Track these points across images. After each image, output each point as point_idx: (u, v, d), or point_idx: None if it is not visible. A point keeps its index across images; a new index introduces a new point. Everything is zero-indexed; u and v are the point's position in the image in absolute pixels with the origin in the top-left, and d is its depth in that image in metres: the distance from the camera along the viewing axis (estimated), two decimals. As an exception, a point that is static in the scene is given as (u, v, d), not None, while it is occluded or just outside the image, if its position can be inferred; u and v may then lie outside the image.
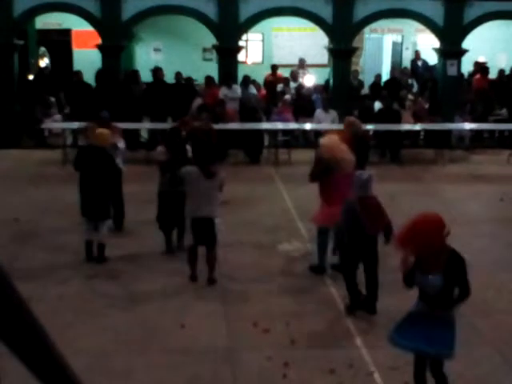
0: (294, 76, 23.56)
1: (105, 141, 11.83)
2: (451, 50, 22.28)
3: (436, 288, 7.06)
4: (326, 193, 11.15)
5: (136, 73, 22.25)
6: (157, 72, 21.52)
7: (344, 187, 10.52)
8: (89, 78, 21.91)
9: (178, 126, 13.32)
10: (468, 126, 21.26)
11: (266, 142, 20.60)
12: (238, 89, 21.16)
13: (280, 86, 22.89)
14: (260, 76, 23.48)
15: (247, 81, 21.71)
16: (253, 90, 21.88)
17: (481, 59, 24.88)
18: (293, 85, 23.18)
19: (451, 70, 22.26)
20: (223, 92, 20.75)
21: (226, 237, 11.58)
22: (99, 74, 21.39)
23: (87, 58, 24.53)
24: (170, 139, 12.37)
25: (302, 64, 24.53)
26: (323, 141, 11.64)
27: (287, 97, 21.47)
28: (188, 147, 12.16)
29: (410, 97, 22.86)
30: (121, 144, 13.24)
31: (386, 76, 25.32)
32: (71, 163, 12.39)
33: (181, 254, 11.65)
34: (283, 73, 23.85)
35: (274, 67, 23.88)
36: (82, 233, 11.89)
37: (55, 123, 20.90)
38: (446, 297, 7.14)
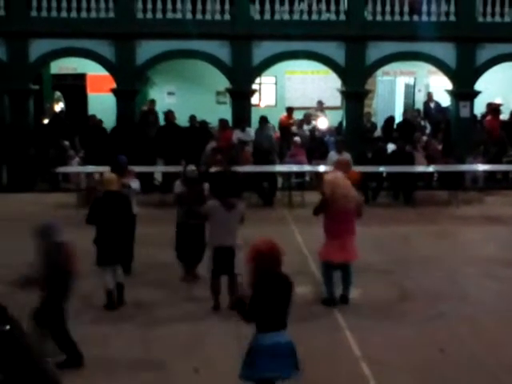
0: (308, 119, 23.64)
1: (109, 185, 11.91)
2: (464, 91, 22.39)
3: None
4: (326, 227, 11.69)
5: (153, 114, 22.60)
6: (168, 115, 21.68)
7: (343, 222, 11.37)
8: (103, 122, 22.12)
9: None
10: (481, 167, 21.23)
11: (280, 185, 20.63)
12: (251, 132, 21.27)
13: (294, 129, 22.98)
14: (273, 119, 23.57)
15: (264, 121, 21.75)
16: (270, 131, 21.93)
17: (497, 101, 24.90)
18: (306, 127, 23.25)
19: (464, 112, 22.33)
20: (237, 135, 20.85)
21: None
22: (119, 119, 21.56)
23: (102, 102, 24.73)
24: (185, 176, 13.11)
25: (320, 106, 24.62)
26: (326, 176, 12.06)
27: (297, 138, 21.49)
28: (205, 185, 12.97)
29: (425, 138, 22.89)
30: (135, 184, 13.29)
31: (398, 118, 25.40)
32: (86, 207, 12.33)
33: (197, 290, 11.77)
34: (296, 115, 23.95)
35: (290, 110, 23.95)
36: (105, 282, 11.72)
37: (70, 167, 20.98)
38: None
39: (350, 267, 11.91)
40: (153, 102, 24.25)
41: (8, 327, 3.95)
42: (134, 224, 13.31)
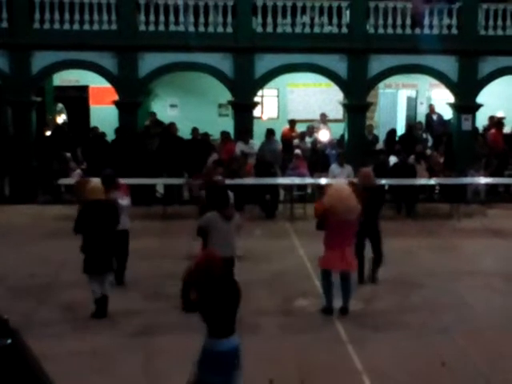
0: (310, 131, 23.62)
1: (93, 194, 11.86)
2: (465, 104, 22.39)
3: None
4: (326, 237, 11.82)
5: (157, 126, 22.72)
6: (170, 127, 21.72)
7: (343, 233, 11.53)
8: (106, 134, 22.18)
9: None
10: (483, 180, 21.23)
11: (282, 197, 20.62)
12: (254, 144, 21.30)
13: (295, 141, 22.97)
14: (275, 131, 23.52)
15: (270, 134, 21.80)
16: (275, 143, 21.96)
17: (499, 114, 24.92)
18: (308, 140, 23.25)
19: (466, 125, 22.34)
20: (240, 147, 20.87)
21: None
22: (118, 131, 21.60)
23: (104, 114, 24.76)
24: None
25: (324, 119, 24.57)
26: (329, 188, 12.26)
27: (297, 151, 21.48)
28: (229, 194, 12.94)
29: (429, 151, 22.90)
30: (125, 201, 13.18)
31: (400, 131, 25.41)
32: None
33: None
34: (298, 128, 23.94)
35: (292, 122, 23.93)
36: (93, 290, 11.76)
37: (72, 179, 20.93)
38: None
39: (350, 278, 11.96)
40: (154, 114, 24.27)
41: (10, 341, 3.94)
42: (127, 237, 13.29)
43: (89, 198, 11.86)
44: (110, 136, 22.14)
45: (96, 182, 12.58)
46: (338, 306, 11.98)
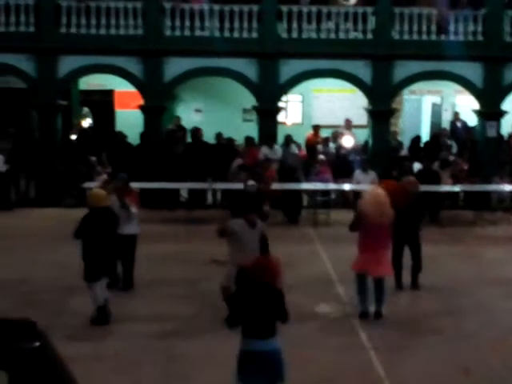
0: (335, 137, 23.59)
1: (98, 201, 11.87)
2: (490, 111, 22.31)
3: None
4: (359, 240, 12.00)
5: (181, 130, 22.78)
6: (196, 132, 21.80)
7: (375, 236, 11.62)
8: (130, 138, 22.27)
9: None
10: (508, 187, 21.12)
11: (305, 203, 20.62)
12: (278, 150, 21.35)
13: (319, 147, 22.96)
14: (299, 136, 23.57)
15: (289, 140, 21.87)
16: (294, 149, 22.02)
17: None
18: (332, 145, 23.23)
19: (491, 132, 22.26)
20: (264, 152, 20.91)
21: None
22: (143, 135, 21.72)
23: (129, 118, 24.87)
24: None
25: (348, 125, 24.47)
26: (364, 192, 12.49)
27: (322, 157, 21.49)
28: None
29: (452, 158, 22.83)
30: (133, 209, 13.17)
31: (425, 137, 25.33)
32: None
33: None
34: (322, 133, 23.93)
35: (316, 127, 23.91)
36: (96, 297, 11.62)
37: (97, 183, 21.04)
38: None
39: (384, 283, 11.99)
40: (178, 118, 24.37)
41: (38, 343, 4.00)
42: (135, 242, 13.29)
43: (93, 205, 11.88)
44: (135, 140, 22.25)
45: (99, 189, 12.61)
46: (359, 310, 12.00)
